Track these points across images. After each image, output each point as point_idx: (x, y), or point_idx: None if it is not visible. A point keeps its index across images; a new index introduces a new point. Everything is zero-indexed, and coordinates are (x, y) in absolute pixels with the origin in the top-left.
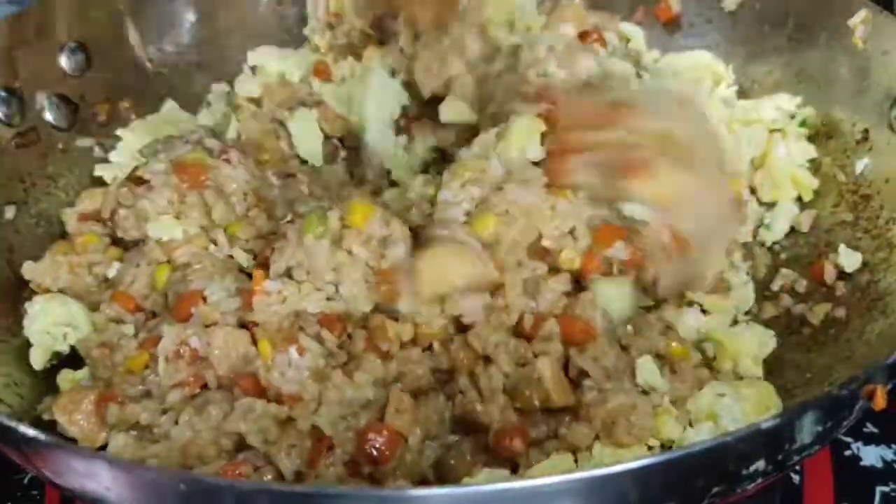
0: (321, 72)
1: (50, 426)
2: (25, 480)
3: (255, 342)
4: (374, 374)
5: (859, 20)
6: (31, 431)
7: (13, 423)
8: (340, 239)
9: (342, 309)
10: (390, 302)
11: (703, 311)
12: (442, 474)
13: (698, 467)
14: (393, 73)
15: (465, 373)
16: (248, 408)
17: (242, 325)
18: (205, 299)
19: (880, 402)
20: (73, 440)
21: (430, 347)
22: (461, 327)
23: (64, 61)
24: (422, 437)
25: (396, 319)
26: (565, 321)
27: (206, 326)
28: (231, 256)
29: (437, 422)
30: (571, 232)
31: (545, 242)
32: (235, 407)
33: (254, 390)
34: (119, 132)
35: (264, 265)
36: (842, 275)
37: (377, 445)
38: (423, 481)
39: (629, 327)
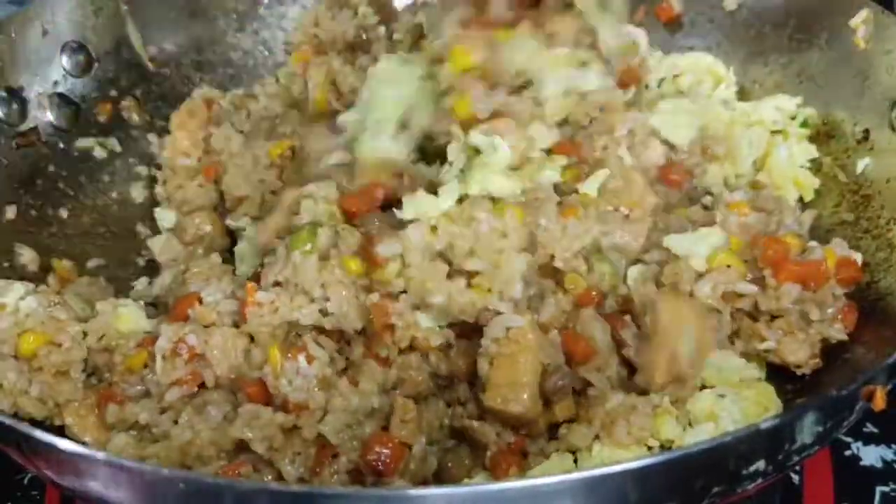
0: None
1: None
2: (25, 480)
3: (254, 343)
4: (375, 380)
5: (860, 20)
6: (30, 430)
7: (13, 423)
8: (328, 256)
9: (334, 324)
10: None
11: None
12: (440, 478)
13: (698, 467)
14: None
15: (465, 380)
16: (253, 415)
17: (239, 327)
18: (200, 301)
19: (879, 402)
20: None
21: (426, 354)
22: (462, 333)
23: (65, 61)
24: (425, 444)
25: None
26: (568, 338)
27: (206, 327)
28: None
29: (437, 427)
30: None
31: (556, 264)
32: (239, 413)
33: (259, 397)
34: None
35: (256, 279)
36: None
37: (382, 458)
38: (422, 483)
39: None
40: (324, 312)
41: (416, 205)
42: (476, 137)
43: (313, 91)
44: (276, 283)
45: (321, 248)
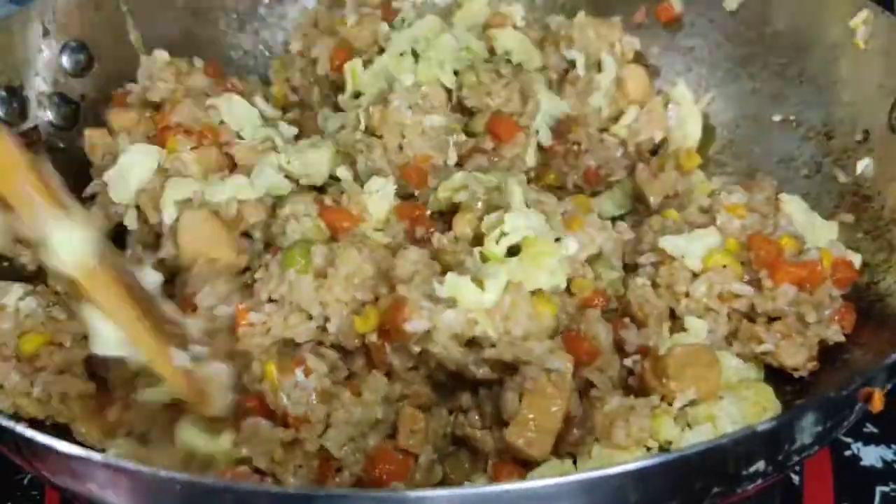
0: None
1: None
2: (25, 481)
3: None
4: (378, 391)
5: (860, 20)
6: (28, 432)
7: (11, 425)
8: (325, 274)
9: (333, 341)
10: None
11: None
12: (440, 483)
13: (698, 468)
14: None
15: (468, 389)
16: (253, 431)
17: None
18: (195, 308)
19: (878, 404)
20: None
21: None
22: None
23: (65, 61)
24: (432, 453)
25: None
26: (571, 341)
27: None
28: None
29: (441, 436)
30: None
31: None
32: (241, 428)
33: (260, 410)
34: None
35: (249, 288)
36: None
37: (387, 474)
38: None
39: None
40: (321, 328)
41: (457, 288)
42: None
43: None
44: (270, 300)
45: (317, 266)
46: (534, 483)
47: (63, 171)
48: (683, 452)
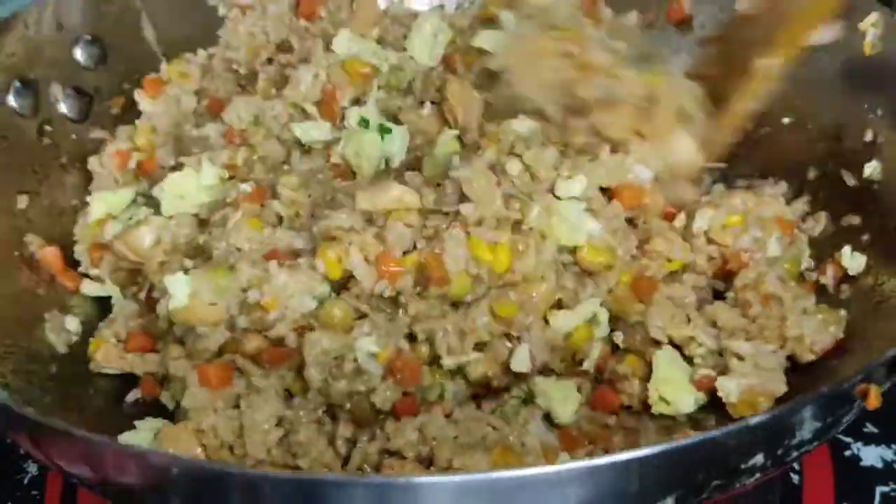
0: None
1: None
2: (25, 481)
3: None
4: None
5: (870, 23)
6: (37, 417)
7: (21, 410)
8: None
9: None
10: None
11: None
12: None
13: (696, 459)
14: None
15: None
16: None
17: None
18: None
19: (873, 401)
20: None
21: None
22: None
23: (79, 54)
24: None
25: None
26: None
27: None
28: None
29: None
30: None
31: None
32: None
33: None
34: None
35: None
36: (846, 277)
37: None
38: None
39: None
40: None
41: None
42: None
43: None
44: None
45: None
46: (533, 470)
47: (75, 162)
48: (683, 442)
